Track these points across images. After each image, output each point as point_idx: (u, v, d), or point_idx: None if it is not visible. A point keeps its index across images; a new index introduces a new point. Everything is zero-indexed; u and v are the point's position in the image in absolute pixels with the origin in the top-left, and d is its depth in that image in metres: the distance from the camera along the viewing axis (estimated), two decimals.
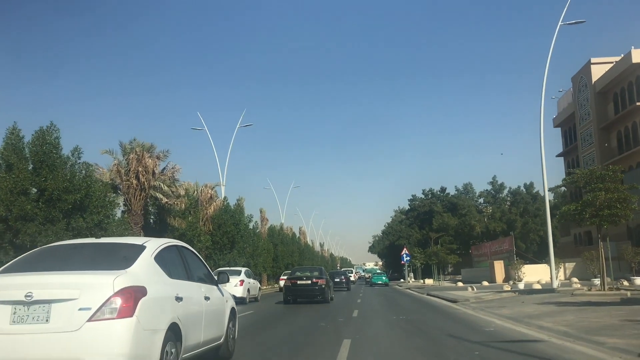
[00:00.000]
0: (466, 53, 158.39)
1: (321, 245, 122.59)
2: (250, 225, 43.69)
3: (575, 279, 31.78)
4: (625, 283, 25.00)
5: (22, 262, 5.59)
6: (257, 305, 22.35)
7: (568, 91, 52.41)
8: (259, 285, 27.54)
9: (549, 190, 24.86)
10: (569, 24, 23.47)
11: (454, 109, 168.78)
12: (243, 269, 24.67)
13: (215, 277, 7.74)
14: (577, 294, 19.62)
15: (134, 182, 23.63)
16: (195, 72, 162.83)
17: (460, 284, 39.15)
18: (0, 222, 15.36)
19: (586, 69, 46.53)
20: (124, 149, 24.50)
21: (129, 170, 23.72)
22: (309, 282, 21.68)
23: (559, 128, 56.23)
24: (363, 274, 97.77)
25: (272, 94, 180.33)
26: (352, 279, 58.71)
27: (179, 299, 5.69)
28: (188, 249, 6.95)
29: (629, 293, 18.76)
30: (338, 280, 36.82)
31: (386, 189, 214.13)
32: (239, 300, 20.09)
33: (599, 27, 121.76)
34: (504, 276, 39.87)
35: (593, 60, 45.57)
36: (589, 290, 20.50)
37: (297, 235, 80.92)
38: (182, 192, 29.28)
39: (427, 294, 28.73)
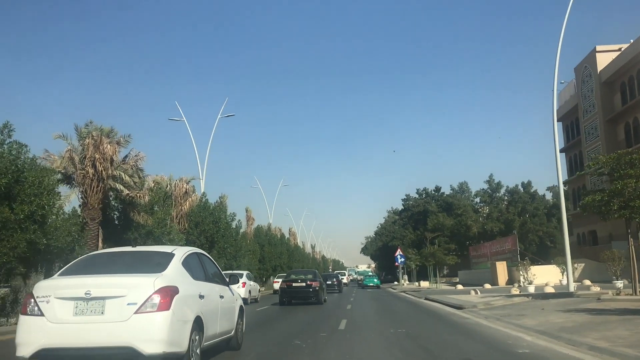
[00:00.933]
0: (461, 49, 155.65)
1: (312, 247, 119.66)
2: (234, 225, 40.68)
3: (587, 281, 28.97)
4: None
5: (77, 266, 6.71)
6: (256, 305, 24.02)
7: (571, 83, 49.71)
8: (258, 287, 30.06)
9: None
10: None
11: (449, 106, 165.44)
12: (244, 272, 27.25)
13: (227, 279, 8.83)
14: (605, 300, 16.74)
15: (90, 171, 20.48)
16: (179, 65, 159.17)
17: (459, 286, 36.23)
18: None
19: (591, 57, 43.78)
20: (80, 134, 21.32)
21: (84, 157, 20.59)
22: (304, 284, 22.62)
23: (560, 122, 53.41)
24: (355, 276, 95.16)
25: (263, 90, 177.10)
26: (345, 281, 59.25)
27: (201, 296, 6.83)
28: (205, 255, 8.15)
29: None
30: (330, 282, 36.62)
31: (380, 189, 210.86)
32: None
33: (603, 14, 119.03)
34: (506, 278, 36.99)
35: (598, 48, 42.85)
36: (617, 294, 17.61)
37: (287, 236, 77.87)
38: (151, 184, 26.18)
39: (426, 298, 25.85)
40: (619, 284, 19.09)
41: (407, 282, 59.70)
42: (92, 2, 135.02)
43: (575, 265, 34.10)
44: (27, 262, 15.28)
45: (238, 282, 24.26)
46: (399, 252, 50.93)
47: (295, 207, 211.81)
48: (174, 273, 6.49)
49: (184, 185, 29.66)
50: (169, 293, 5.99)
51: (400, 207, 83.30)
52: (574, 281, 32.66)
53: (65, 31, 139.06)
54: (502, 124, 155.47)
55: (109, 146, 20.70)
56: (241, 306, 9.01)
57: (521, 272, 29.22)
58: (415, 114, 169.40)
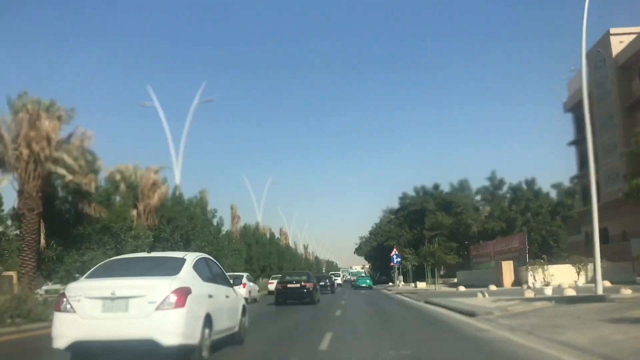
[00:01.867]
0: (460, 42, 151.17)
1: (305, 248, 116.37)
2: (215, 222, 37.33)
3: (607, 282, 25.65)
4: None
5: (100, 270, 7.67)
6: (256, 305, 24.87)
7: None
8: (257, 287, 31.45)
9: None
10: None
11: (448, 102, 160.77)
12: (245, 274, 28.56)
13: (231, 281, 9.74)
14: None
15: (24, 152, 17.03)
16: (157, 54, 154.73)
17: (462, 288, 32.85)
18: None
19: (604, 41, 40.53)
20: (12, 107, 17.81)
21: (17, 135, 17.14)
22: (298, 285, 23.35)
23: (571, 113, 50.23)
24: (349, 277, 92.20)
25: (255, 85, 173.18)
26: (339, 282, 62.72)
27: (210, 296, 7.78)
28: (212, 259, 9.10)
29: None
30: (323, 283, 37.09)
31: (376, 188, 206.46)
32: None
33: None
34: (512, 279, 33.65)
35: (612, 31, 39.65)
36: None
37: (277, 236, 74.50)
38: (115, 174, 22.75)
39: (426, 302, 22.55)
40: None
41: (403, 283, 56.61)
42: None
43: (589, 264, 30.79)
44: None
45: (241, 283, 25.29)
46: (394, 251, 47.53)
47: (288, 207, 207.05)
48: (187, 276, 7.36)
49: (152, 176, 26.13)
50: (183, 293, 6.83)
51: (397, 206, 79.87)
52: (589, 282, 29.53)
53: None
54: (504, 118, 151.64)
55: (47, 122, 17.24)
56: (244, 305, 9.96)
57: (534, 272, 26.12)
58: (412, 110, 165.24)
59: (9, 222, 19.41)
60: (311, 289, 23.23)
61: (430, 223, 64.16)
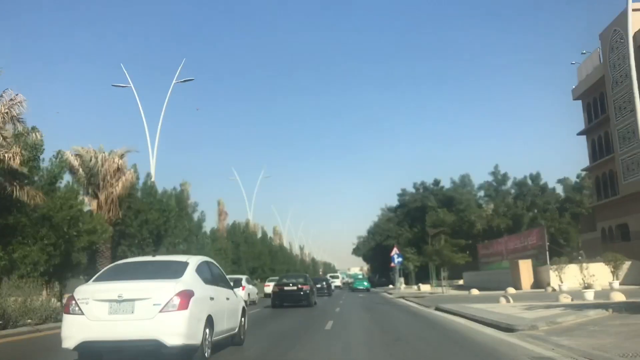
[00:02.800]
0: (461, 33, 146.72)
1: (301, 248, 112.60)
2: (195, 217, 33.55)
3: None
4: None
5: (107, 274, 8.01)
6: (254, 307, 24.47)
7: (594, 53, 42.88)
8: (256, 290, 31.43)
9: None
10: None
11: (444, 96, 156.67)
12: (244, 277, 29.15)
13: (232, 284, 10.06)
14: None
15: None
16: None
17: (475, 291, 29.04)
18: None
19: (621, 19, 36.72)
20: None
21: None
22: (295, 288, 23.44)
23: (580, 100, 46.64)
24: (347, 279, 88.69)
25: (252, 84, 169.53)
26: (338, 284, 64.92)
27: (211, 299, 8.11)
28: (213, 263, 9.44)
29: None
30: (320, 286, 36.84)
31: (374, 186, 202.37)
32: None
33: None
34: (532, 280, 29.84)
35: (634, 6, 35.87)
36: None
37: (270, 235, 70.68)
38: (70, 158, 18.90)
39: (437, 309, 18.86)
40: None
41: (404, 285, 52.86)
42: None
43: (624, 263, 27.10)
44: None
45: (241, 285, 24.99)
46: (395, 251, 43.49)
47: (282, 205, 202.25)
48: (190, 279, 7.74)
49: (116, 160, 22.20)
50: (187, 295, 7.22)
51: (396, 204, 76.09)
52: (623, 283, 25.94)
53: None
54: (506, 112, 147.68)
55: None
56: (243, 307, 10.30)
57: (559, 272, 22.47)
58: (410, 103, 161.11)
59: None
60: (307, 291, 23.29)
61: (431, 221, 60.48)
